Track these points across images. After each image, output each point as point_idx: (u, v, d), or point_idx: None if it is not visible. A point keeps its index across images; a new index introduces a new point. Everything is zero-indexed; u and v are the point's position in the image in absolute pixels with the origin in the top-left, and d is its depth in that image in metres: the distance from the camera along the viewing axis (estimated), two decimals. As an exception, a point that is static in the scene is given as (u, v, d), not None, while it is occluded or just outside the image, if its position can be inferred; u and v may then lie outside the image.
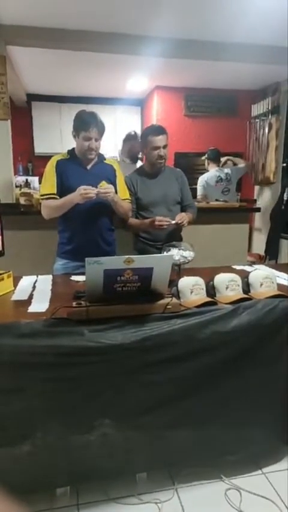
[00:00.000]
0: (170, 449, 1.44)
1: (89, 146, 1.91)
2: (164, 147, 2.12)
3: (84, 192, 1.78)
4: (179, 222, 2.02)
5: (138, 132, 3.72)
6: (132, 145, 3.54)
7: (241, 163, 4.16)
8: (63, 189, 1.93)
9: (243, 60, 3.40)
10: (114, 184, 2.02)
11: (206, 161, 3.98)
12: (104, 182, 1.94)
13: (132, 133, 3.62)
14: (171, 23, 2.80)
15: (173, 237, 2.11)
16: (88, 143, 1.90)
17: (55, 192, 1.94)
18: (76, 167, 1.98)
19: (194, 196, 2.63)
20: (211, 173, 3.88)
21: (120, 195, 2.05)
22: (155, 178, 2.21)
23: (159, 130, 2.12)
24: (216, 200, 3.50)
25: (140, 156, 3.55)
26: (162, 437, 1.40)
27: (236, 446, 1.52)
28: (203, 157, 4.04)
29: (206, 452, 1.48)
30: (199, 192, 3.86)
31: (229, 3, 2.48)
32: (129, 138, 3.61)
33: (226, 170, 3.88)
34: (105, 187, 1.87)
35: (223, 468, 1.54)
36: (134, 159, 3.61)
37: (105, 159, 2.08)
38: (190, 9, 2.58)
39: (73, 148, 2.02)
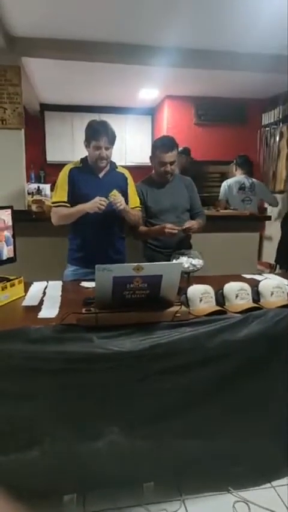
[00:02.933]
0: (177, 459, 1.42)
1: (100, 155, 1.93)
2: (172, 163, 2.10)
3: (100, 202, 1.82)
4: (188, 226, 2.03)
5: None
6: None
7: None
8: (76, 196, 1.96)
9: (254, 70, 3.41)
10: (126, 192, 2.04)
11: (234, 166, 3.89)
12: (115, 190, 1.96)
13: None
14: (182, 33, 2.84)
15: (182, 244, 2.12)
16: (99, 152, 1.93)
17: (66, 200, 1.97)
18: (88, 175, 2.01)
19: (204, 204, 2.62)
20: (235, 178, 3.76)
21: (132, 203, 2.06)
22: (163, 188, 2.22)
23: (168, 146, 2.07)
24: (232, 209, 3.41)
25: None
26: (170, 447, 1.39)
27: (245, 457, 1.49)
28: (232, 164, 3.93)
29: (214, 463, 1.46)
30: (220, 196, 3.74)
31: (239, 13, 2.51)
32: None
33: (252, 180, 3.72)
34: (118, 198, 1.88)
35: (231, 480, 1.52)
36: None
37: (116, 167, 2.11)
38: (200, 19, 2.61)
39: (86, 157, 2.05)
